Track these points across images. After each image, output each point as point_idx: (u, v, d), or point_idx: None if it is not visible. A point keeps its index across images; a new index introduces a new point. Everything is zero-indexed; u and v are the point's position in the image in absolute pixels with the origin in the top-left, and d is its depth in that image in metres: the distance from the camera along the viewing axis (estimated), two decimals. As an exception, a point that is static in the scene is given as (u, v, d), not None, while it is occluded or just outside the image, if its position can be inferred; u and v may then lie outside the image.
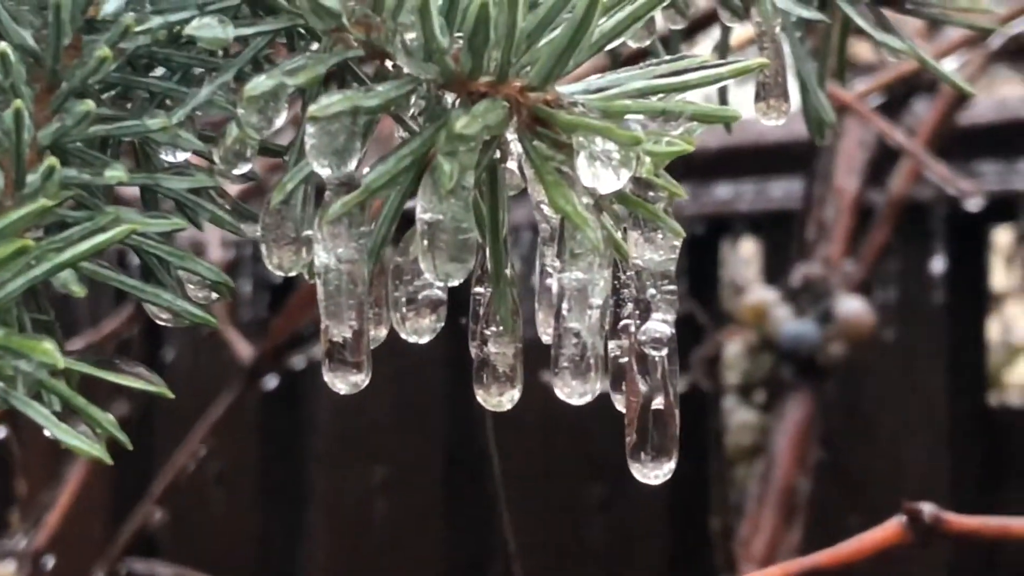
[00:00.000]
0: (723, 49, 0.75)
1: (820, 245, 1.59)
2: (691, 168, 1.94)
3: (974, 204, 1.61)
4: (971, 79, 1.58)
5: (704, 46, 0.84)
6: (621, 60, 0.75)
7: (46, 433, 0.49)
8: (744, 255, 2.17)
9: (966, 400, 1.79)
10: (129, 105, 0.55)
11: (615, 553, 2.01)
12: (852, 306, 1.56)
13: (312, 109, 0.48)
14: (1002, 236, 1.96)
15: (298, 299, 1.79)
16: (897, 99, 1.64)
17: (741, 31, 0.76)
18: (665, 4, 0.52)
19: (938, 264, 1.75)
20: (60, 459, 1.87)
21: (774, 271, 1.85)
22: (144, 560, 2.01)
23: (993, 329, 2.14)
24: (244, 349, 1.84)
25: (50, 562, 1.79)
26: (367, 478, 2.29)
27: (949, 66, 1.61)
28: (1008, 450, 1.82)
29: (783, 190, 1.87)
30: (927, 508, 0.77)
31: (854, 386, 1.78)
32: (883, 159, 1.63)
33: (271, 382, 1.92)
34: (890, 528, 0.78)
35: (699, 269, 2.00)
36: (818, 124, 0.76)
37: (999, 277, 2.12)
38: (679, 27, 0.69)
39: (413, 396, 2.22)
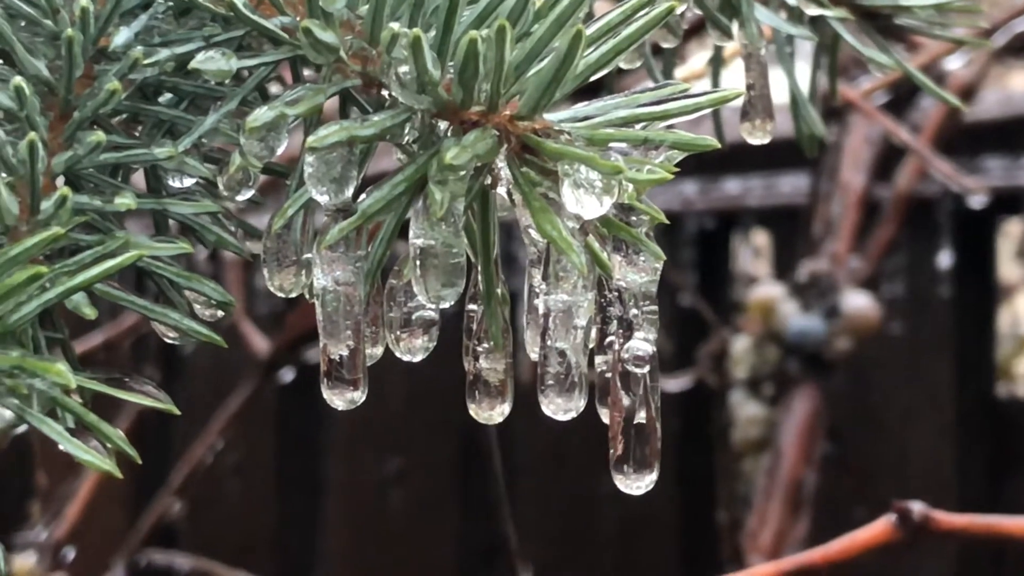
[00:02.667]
0: (716, 64, 0.77)
1: (826, 241, 1.61)
2: (701, 163, 1.96)
3: (978, 201, 1.63)
4: (976, 76, 1.60)
5: (701, 56, 0.86)
6: (613, 76, 0.77)
7: (61, 447, 0.51)
8: (756, 248, 2.19)
9: (973, 392, 1.81)
10: (140, 128, 0.58)
11: (626, 543, 2.03)
12: (858, 301, 1.58)
13: (310, 140, 0.50)
14: (1012, 228, 1.98)
15: (313, 294, 1.81)
16: (903, 96, 1.66)
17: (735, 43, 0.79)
18: (654, 30, 0.55)
19: (945, 258, 1.77)
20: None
21: (783, 265, 1.87)
22: (163, 551, 2.03)
23: (1004, 321, 2.16)
24: (260, 343, 1.86)
25: (70, 554, 1.81)
26: (382, 468, 2.31)
27: (955, 63, 1.63)
28: (1017, 441, 1.83)
29: (791, 185, 1.89)
30: (916, 506, 0.80)
31: (862, 379, 1.80)
32: (889, 155, 1.64)
33: (287, 375, 1.95)
34: (880, 526, 0.80)
35: (709, 263, 2.02)
36: (808, 138, 0.78)
37: (1010, 270, 2.14)
38: (671, 46, 0.71)
39: (427, 387, 2.25)
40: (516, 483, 2.11)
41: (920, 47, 1.52)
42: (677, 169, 0.51)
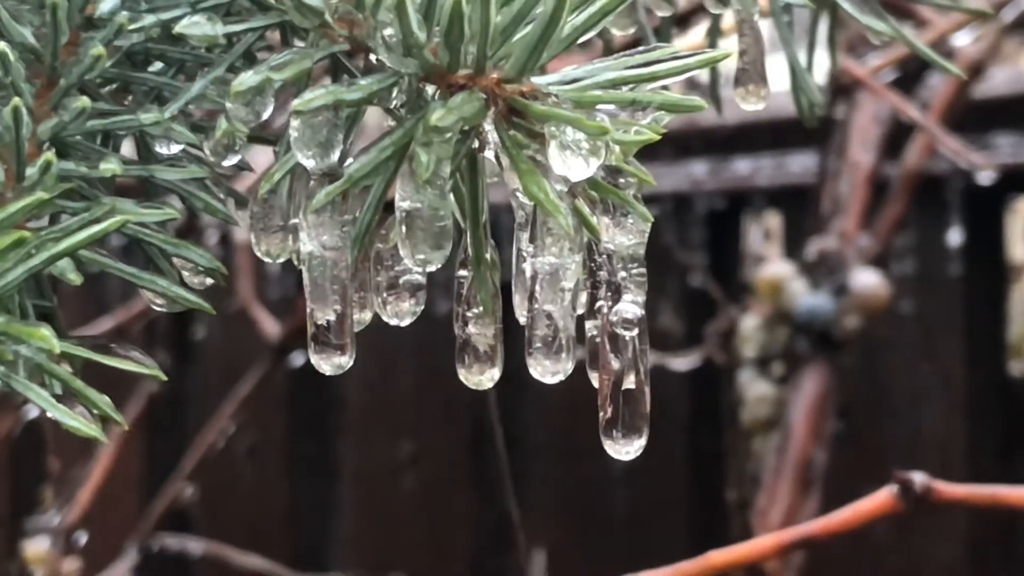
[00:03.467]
0: (714, 33, 0.77)
1: (835, 219, 1.61)
2: (710, 143, 1.96)
3: (986, 177, 1.62)
4: (985, 53, 1.59)
5: (700, 28, 0.85)
6: (614, 48, 0.77)
7: (48, 414, 0.51)
8: (767, 228, 2.18)
9: (984, 370, 1.80)
10: (130, 98, 0.57)
11: (637, 523, 2.03)
12: (867, 279, 1.57)
13: (295, 103, 0.50)
14: (1022, 207, 1.97)
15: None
16: (911, 74, 1.65)
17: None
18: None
19: (955, 236, 1.77)
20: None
21: (793, 244, 1.87)
22: (176, 535, 2.04)
23: (1016, 300, 2.15)
24: (272, 327, 1.87)
25: (83, 538, 1.82)
26: (394, 452, 2.32)
27: (963, 40, 1.62)
28: (1024, 419, 1.83)
29: (801, 164, 1.88)
30: (918, 477, 0.79)
31: (872, 357, 1.80)
32: (898, 133, 1.64)
33: (299, 359, 1.95)
34: (882, 497, 0.80)
35: (719, 243, 2.02)
36: (808, 107, 0.78)
37: (1022, 249, 2.13)
38: (666, 14, 0.71)
39: (438, 371, 2.25)
40: (529, 466, 2.11)
41: (928, 24, 1.51)
42: (664, 130, 0.51)
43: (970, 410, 1.79)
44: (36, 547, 1.86)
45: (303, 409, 2.41)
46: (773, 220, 2.09)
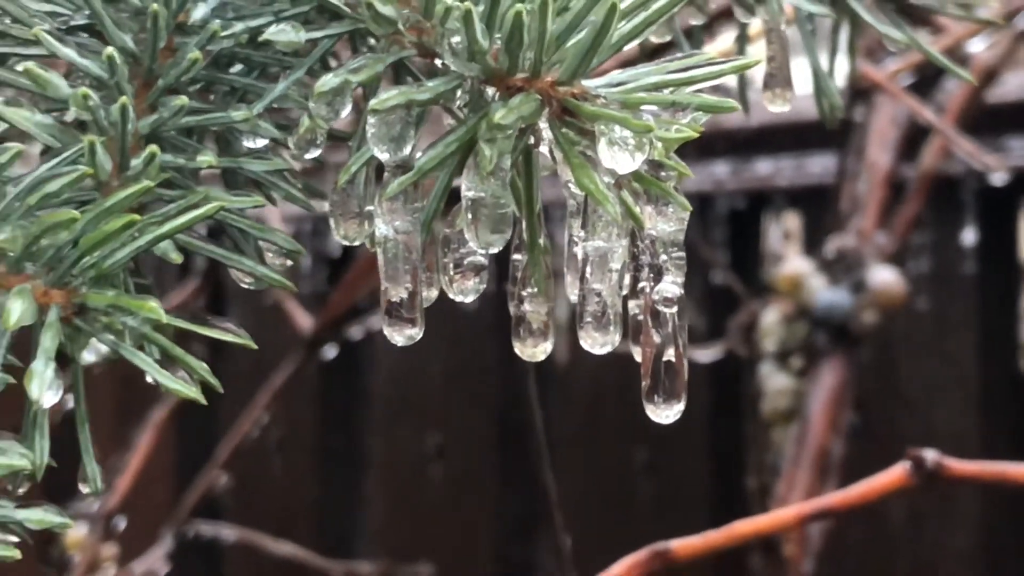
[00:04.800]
0: (742, 40, 0.83)
1: (854, 218, 1.66)
2: (733, 145, 2.01)
3: (999, 178, 1.68)
4: (999, 59, 1.65)
5: (729, 35, 0.91)
6: (649, 51, 0.83)
7: (148, 379, 0.57)
8: (787, 228, 2.23)
9: (997, 366, 1.86)
10: (212, 97, 0.63)
11: (660, 512, 2.09)
12: (884, 276, 1.63)
13: (373, 103, 0.56)
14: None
15: (355, 273, 1.86)
16: (928, 78, 1.70)
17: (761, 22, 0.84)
18: (683, 4, 0.60)
19: (969, 236, 1.82)
20: (128, 426, 1.96)
21: (812, 243, 1.93)
22: (210, 522, 2.09)
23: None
24: (304, 320, 1.91)
25: (121, 523, 1.86)
26: (421, 444, 2.37)
27: (978, 46, 1.68)
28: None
29: (821, 165, 1.94)
30: (929, 454, 0.85)
31: (888, 353, 1.85)
32: (915, 135, 1.69)
33: (330, 352, 2.00)
34: (896, 472, 0.85)
35: (741, 241, 2.07)
36: (829, 109, 0.83)
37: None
38: (699, 23, 0.77)
39: (465, 365, 2.30)
40: (552, 457, 2.16)
41: (944, 30, 1.57)
42: (702, 128, 0.57)
43: (983, 405, 1.84)
44: (75, 532, 1.89)
45: (333, 401, 2.46)
46: (792, 220, 2.15)
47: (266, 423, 1.92)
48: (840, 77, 0.86)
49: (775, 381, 1.66)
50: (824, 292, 1.63)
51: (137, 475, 1.89)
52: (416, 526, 2.39)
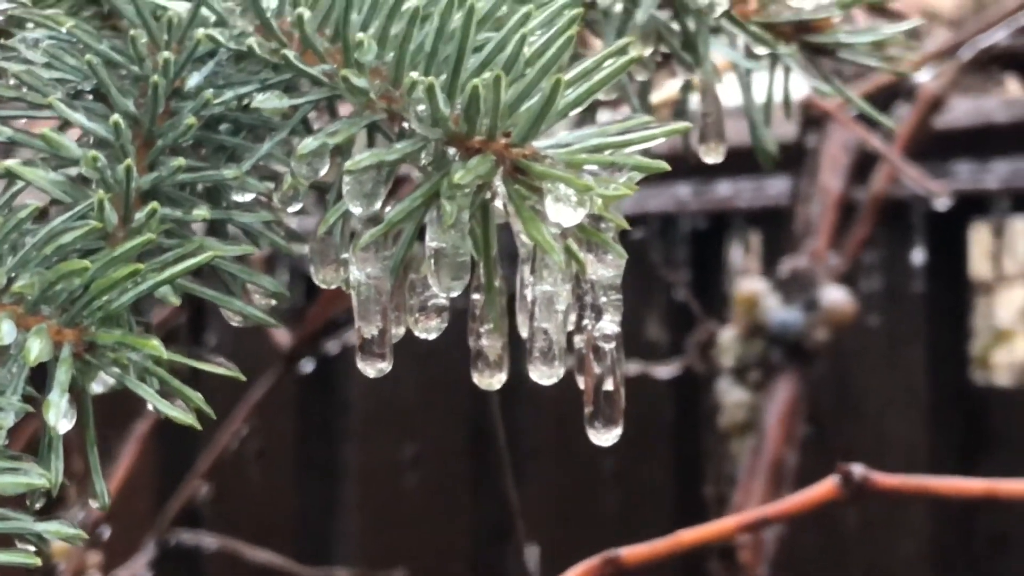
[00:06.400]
0: (685, 91, 0.91)
1: (807, 239, 1.75)
2: (695, 168, 2.09)
3: (942, 203, 1.76)
4: (944, 88, 1.74)
5: (676, 83, 0.99)
6: (599, 104, 0.91)
7: (149, 407, 0.65)
8: (748, 246, 2.31)
9: (946, 380, 1.94)
10: (204, 152, 0.71)
11: (626, 520, 2.16)
12: (835, 295, 1.71)
13: (347, 164, 0.64)
14: (983, 228, 2.11)
15: (331, 290, 1.92)
16: (878, 106, 1.78)
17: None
18: (621, 74, 0.68)
19: (918, 256, 1.91)
20: (111, 440, 2.02)
21: (771, 262, 2.01)
22: (191, 530, 2.15)
23: (982, 315, 2.29)
24: (282, 335, 1.98)
25: (106, 532, 1.92)
26: (397, 454, 2.43)
27: (924, 76, 1.76)
28: (989, 426, 1.97)
29: (778, 188, 2.02)
30: (857, 468, 0.93)
31: (841, 369, 1.94)
32: (865, 160, 1.78)
33: (307, 366, 2.07)
34: (827, 486, 0.93)
35: (702, 261, 2.16)
36: (764, 155, 0.91)
37: (985, 268, 2.27)
38: (645, 78, 0.85)
39: (438, 377, 2.37)
40: (523, 467, 2.24)
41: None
42: (637, 187, 0.65)
43: (932, 417, 1.92)
44: (61, 541, 1.94)
45: (311, 413, 2.52)
46: (754, 239, 2.23)
47: (245, 434, 1.97)
48: (793, 101, 0.94)
49: (732, 395, 1.74)
50: (778, 311, 1.71)
51: (121, 486, 1.94)
52: (392, 533, 2.45)
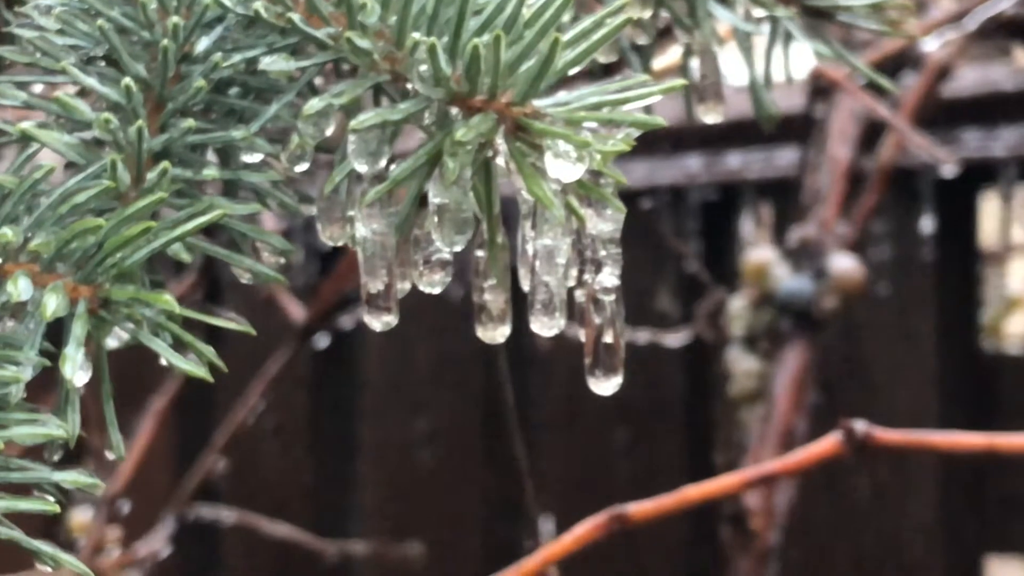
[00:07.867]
0: (687, 55, 0.92)
1: (815, 209, 1.76)
2: (705, 139, 2.11)
3: (949, 171, 1.77)
4: (951, 57, 1.75)
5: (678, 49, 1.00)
6: (601, 69, 0.92)
7: (162, 361, 0.67)
8: (758, 217, 2.33)
9: (956, 347, 1.96)
10: (213, 116, 0.73)
11: (638, 491, 2.18)
12: (844, 263, 1.72)
13: (353, 123, 0.66)
14: (992, 196, 2.12)
15: (345, 265, 1.94)
16: (886, 74, 1.80)
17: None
18: (618, 33, 0.70)
19: (927, 224, 1.92)
20: (129, 416, 2.04)
21: (781, 232, 2.02)
22: (209, 505, 2.18)
23: (993, 284, 2.31)
24: (297, 311, 1.99)
25: (125, 507, 1.94)
26: (411, 430, 2.45)
27: (932, 44, 1.77)
28: (998, 394, 1.98)
29: (788, 159, 2.04)
30: (859, 424, 0.94)
31: (851, 337, 1.95)
32: (873, 129, 1.79)
33: (322, 341, 2.09)
34: (829, 442, 0.95)
35: (713, 232, 2.17)
36: (766, 116, 0.93)
37: (996, 237, 2.29)
38: (646, 43, 0.87)
39: (451, 353, 2.39)
40: (536, 439, 2.26)
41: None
42: (635, 143, 0.67)
43: (942, 385, 1.94)
44: (80, 516, 1.97)
45: (325, 389, 2.54)
46: (764, 210, 2.25)
47: (262, 410, 1.99)
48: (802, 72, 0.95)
49: (742, 363, 1.75)
50: (787, 280, 1.72)
51: (139, 461, 1.96)
52: (407, 507, 2.47)
